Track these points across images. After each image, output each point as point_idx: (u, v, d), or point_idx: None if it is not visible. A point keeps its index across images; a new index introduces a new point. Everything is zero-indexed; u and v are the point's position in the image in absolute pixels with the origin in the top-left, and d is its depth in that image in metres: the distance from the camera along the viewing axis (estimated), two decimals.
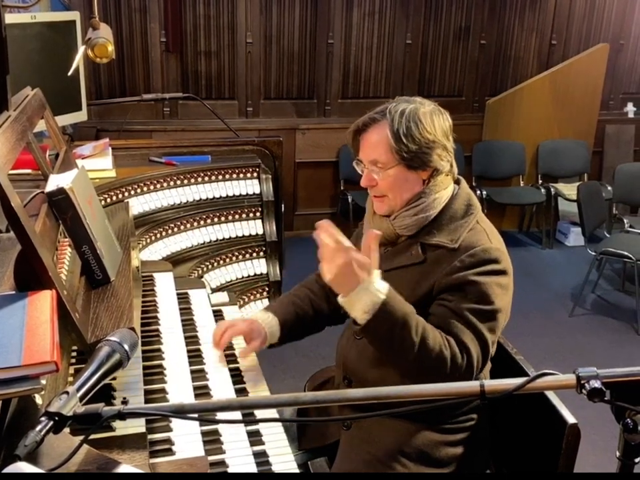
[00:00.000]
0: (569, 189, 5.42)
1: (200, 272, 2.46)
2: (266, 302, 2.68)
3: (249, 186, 2.63)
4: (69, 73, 2.47)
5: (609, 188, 5.27)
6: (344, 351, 1.77)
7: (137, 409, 0.95)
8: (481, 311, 1.52)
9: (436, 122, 1.59)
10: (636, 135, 6.05)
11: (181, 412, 0.97)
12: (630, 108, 6.08)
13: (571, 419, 1.47)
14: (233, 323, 1.80)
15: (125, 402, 0.94)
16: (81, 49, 2.36)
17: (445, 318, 1.54)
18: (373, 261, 1.46)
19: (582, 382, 0.91)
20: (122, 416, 0.91)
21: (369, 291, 1.44)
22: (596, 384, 0.90)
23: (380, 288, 1.45)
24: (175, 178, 2.49)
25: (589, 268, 4.50)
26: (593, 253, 4.37)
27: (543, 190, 5.56)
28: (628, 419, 0.93)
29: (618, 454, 0.97)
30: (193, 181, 2.53)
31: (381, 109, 1.62)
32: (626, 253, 4.20)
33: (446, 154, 1.60)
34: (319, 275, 1.84)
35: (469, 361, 1.50)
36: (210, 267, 2.51)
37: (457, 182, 1.69)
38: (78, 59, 2.46)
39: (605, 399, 0.91)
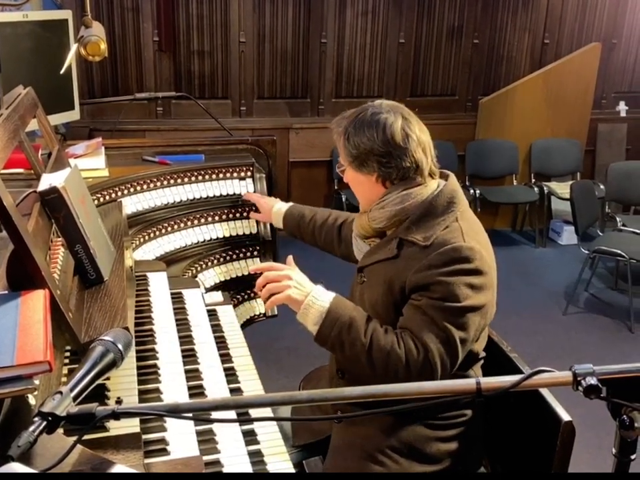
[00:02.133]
0: (562, 188, 5.43)
1: (194, 271, 2.45)
2: (260, 301, 2.67)
3: (242, 185, 2.62)
4: (62, 71, 2.46)
5: (602, 186, 5.29)
6: None
7: (131, 409, 0.94)
8: (446, 308, 1.50)
9: (384, 130, 1.57)
10: (628, 134, 6.07)
11: (176, 411, 0.96)
12: (622, 107, 6.11)
13: (565, 416, 1.47)
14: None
15: (119, 402, 0.94)
16: (74, 46, 2.34)
17: (409, 316, 1.55)
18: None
19: (578, 379, 0.91)
20: (116, 416, 0.91)
21: (312, 307, 1.58)
22: (592, 381, 0.90)
23: (323, 299, 1.58)
24: (169, 177, 2.48)
25: (582, 266, 4.51)
26: (586, 252, 4.38)
27: (535, 189, 5.57)
28: (624, 416, 0.93)
29: (614, 451, 0.97)
30: (186, 180, 2.51)
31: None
32: (619, 252, 4.21)
33: (393, 160, 1.58)
34: (342, 223, 2.08)
35: (426, 357, 1.50)
36: (204, 266, 2.50)
37: (445, 178, 1.68)
38: (70, 57, 2.44)
39: (601, 395, 0.91)
